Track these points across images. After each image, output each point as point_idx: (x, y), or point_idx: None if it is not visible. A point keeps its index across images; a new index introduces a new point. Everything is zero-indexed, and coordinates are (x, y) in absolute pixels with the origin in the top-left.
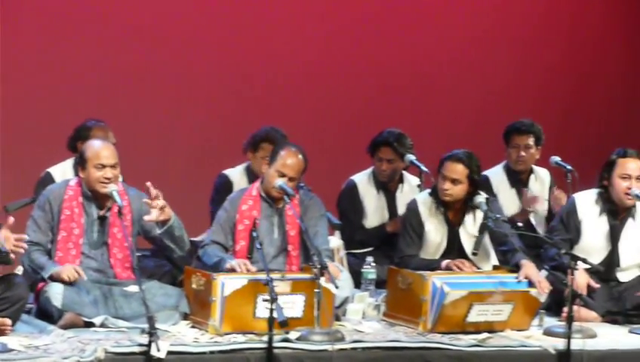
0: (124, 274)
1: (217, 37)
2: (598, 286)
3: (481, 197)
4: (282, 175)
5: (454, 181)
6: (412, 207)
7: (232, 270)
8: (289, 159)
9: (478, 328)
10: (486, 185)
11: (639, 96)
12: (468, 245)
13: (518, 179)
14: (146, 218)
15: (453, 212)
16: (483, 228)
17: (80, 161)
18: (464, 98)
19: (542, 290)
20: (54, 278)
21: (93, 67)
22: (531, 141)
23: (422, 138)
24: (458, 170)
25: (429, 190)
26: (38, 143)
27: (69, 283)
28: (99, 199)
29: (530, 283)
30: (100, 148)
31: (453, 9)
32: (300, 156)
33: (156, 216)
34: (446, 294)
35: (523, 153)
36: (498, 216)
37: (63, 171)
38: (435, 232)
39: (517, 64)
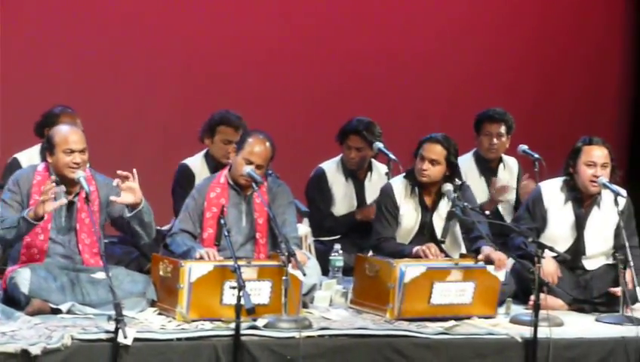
0: (92, 260)
1: (183, 26)
2: (561, 275)
3: (449, 185)
4: (250, 162)
5: (433, 161)
6: (387, 189)
7: (202, 258)
8: (257, 146)
9: (443, 312)
10: None
11: (606, 86)
12: (440, 231)
13: (488, 168)
14: (115, 199)
15: (428, 196)
16: (451, 216)
17: (48, 146)
18: (434, 87)
19: (499, 265)
20: (33, 214)
21: (60, 54)
22: (503, 129)
23: (391, 126)
24: (437, 150)
25: (403, 173)
26: (4, 129)
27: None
28: (67, 184)
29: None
30: (68, 134)
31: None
32: (268, 143)
33: (126, 198)
34: (404, 272)
35: (495, 141)
36: (465, 203)
37: (30, 157)
38: (408, 216)
39: (487, 53)
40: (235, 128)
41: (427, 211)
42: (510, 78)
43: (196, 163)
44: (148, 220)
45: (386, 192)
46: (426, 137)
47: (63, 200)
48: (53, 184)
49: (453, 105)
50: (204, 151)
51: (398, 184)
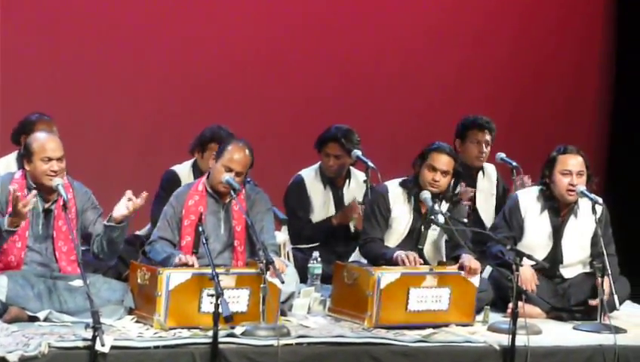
0: (69, 267)
1: (165, 33)
2: (537, 283)
3: (427, 193)
4: (229, 170)
5: (444, 173)
6: (382, 191)
7: (182, 265)
8: (236, 154)
9: (421, 319)
10: None
11: (585, 95)
12: (430, 238)
13: (469, 175)
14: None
15: (425, 205)
16: (429, 223)
17: (25, 153)
18: (412, 95)
19: (469, 272)
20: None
21: (38, 61)
22: (489, 137)
23: (369, 134)
24: (447, 161)
25: (400, 179)
26: None
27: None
28: (44, 192)
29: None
30: (46, 141)
31: (400, 5)
32: (247, 151)
33: (120, 209)
34: (380, 277)
35: (485, 149)
36: (442, 211)
37: (7, 164)
38: (400, 219)
39: (465, 61)
40: None
41: (420, 218)
42: (489, 86)
43: (184, 171)
44: (117, 241)
45: (381, 194)
46: (433, 147)
47: (34, 192)
48: (34, 198)
49: (432, 114)
50: (193, 160)
51: (395, 188)
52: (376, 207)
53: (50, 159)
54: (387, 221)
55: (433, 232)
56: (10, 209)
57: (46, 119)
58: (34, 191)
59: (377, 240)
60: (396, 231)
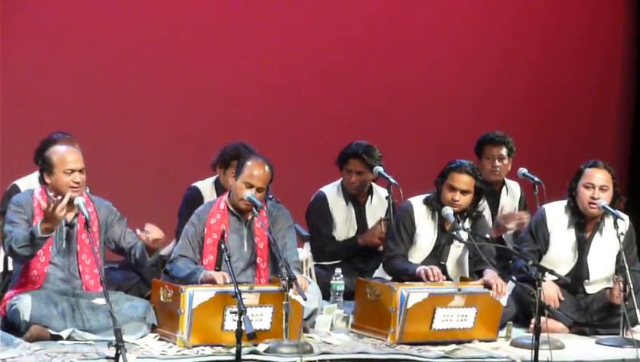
0: (92, 281)
1: (187, 50)
2: (562, 298)
3: (449, 209)
4: (250, 186)
5: (464, 192)
6: (407, 208)
7: (209, 281)
8: (256, 170)
9: (445, 336)
10: None
11: (607, 111)
12: (453, 254)
13: (491, 191)
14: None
15: (448, 222)
16: (451, 239)
17: (45, 167)
18: (434, 111)
19: (498, 292)
20: (44, 227)
21: (60, 80)
22: (504, 152)
23: (391, 150)
24: (467, 180)
25: (423, 196)
26: (3, 156)
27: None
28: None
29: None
30: (66, 153)
31: (426, 25)
32: (266, 166)
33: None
34: (406, 297)
35: (498, 163)
36: (464, 227)
37: (29, 183)
38: (425, 236)
39: (489, 78)
40: None
41: (444, 235)
42: (511, 102)
43: (206, 187)
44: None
45: (406, 211)
46: (453, 166)
47: (68, 195)
48: (63, 200)
49: (454, 129)
50: (215, 177)
51: (419, 204)
52: (402, 224)
53: (72, 171)
54: (412, 238)
55: (456, 249)
56: (35, 221)
57: (68, 138)
58: (68, 194)
59: (401, 257)
60: (421, 248)
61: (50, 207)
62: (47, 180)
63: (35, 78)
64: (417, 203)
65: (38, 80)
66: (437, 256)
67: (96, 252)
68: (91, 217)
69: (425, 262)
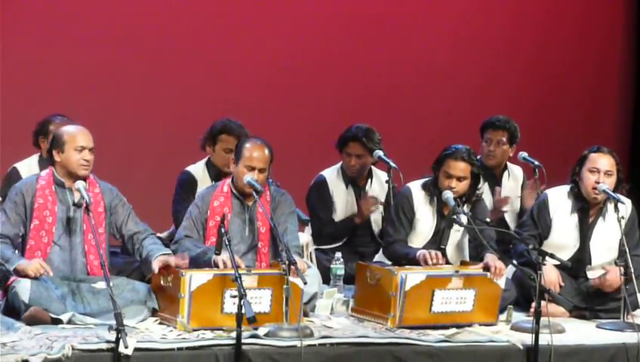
0: (97, 261)
1: (185, 35)
2: (562, 284)
3: (449, 192)
4: (252, 168)
5: (461, 178)
6: (406, 193)
7: (217, 265)
8: (255, 152)
9: (445, 320)
10: None
11: (608, 96)
12: (453, 238)
13: (492, 175)
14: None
15: (447, 206)
16: (451, 223)
17: (56, 144)
18: (434, 94)
19: (495, 274)
20: (19, 273)
21: (59, 63)
22: (504, 138)
23: (391, 133)
24: (462, 167)
25: (422, 181)
26: (2, 139)
27: (34, 278)
28: (72, 186)
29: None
30: (78, 131)
31: (425, 11)
32: (265, 147)
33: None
34: (405, 279)
35: (492, 148)
36: (464, 211)
37: (29, 166)
38: (424, 222)
39: (488, 63)
40: (237, 137)
41: (443, 219)
42: (512, 87)
43: (198, 170)
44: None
45: (405, 196)
46: (448, 152)
47: (49, 273)
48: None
49: (453, 114)
50: (206, 158)
51: (418, 189)
52: (401, 209)
53: (83, 148)
54: (411, 223)
55: (456, 233)
56: (36, 206)
57: (64, 120)
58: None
59: (401, 241)
60: (421, 233)
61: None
62: (57, 158)
63: (35, 63)
64: (416, 188)
65: (39, 64)
66: (437, 241)
67: (100, 234)
68: (97, 199)
69: (425, 248)
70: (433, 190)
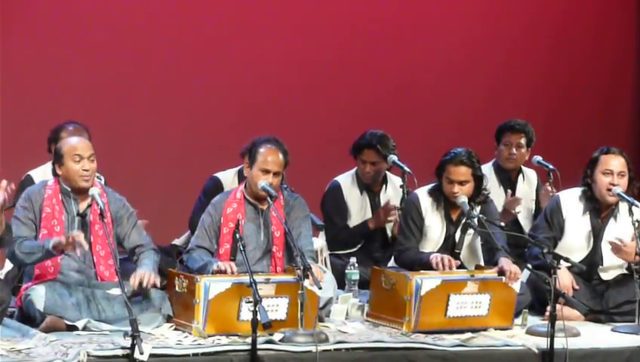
0: (107, 272)
1: (205, 39)
2: (577, 287)
3: (463, 197)
4: (266, 172)
5: (462, 183)
6: (413, 200)
7: (219, 272)
8: (270, 156)
9: (460, 325)
10: None
11: (622, 98)
12: (465, 242)
13: (507, 178)
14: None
15: (454, 209)
16: (466, 227)
17: (56, 158)
18: (449, 99)
19: (511, 278)
20: (57, 249)
21: (73, 70)
22: (523, 140)
23: (405, 138)
24: (463, 171)
25: (428, 187)
26: (17, 147)
27: (71, 250)
28: (77, 195)
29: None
30: (74, 142)
31: (438, 13)
32: (280, 150)
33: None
34: (420, 284)
35: (514, 151)
36: (480, 215)
37: (43, 174)
38: (434, 228)
39: (502, 67)
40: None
41: (452, 224)
42: (524, 90)
43: (228, 178)
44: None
45: (412, 203)
46: (448, 158)
47: (85, 246)
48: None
49: (467, 117)
50: (238, 168)
51: (425, 196)
52: (409, 217)
53: (80, 158)
54: (421, 230)
55: (467, 236)
56: (43, 215)
57: (78, 127)
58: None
59: (412, 248)
60: (432, 239)
61: (66, 243)
62: (59, 171)
63: (49, 68)
64: (423, 194)
65: (53, 70)
66: (449, 246)
67: (112, 242)
68: (105, 208)
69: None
70: (439, 196)
